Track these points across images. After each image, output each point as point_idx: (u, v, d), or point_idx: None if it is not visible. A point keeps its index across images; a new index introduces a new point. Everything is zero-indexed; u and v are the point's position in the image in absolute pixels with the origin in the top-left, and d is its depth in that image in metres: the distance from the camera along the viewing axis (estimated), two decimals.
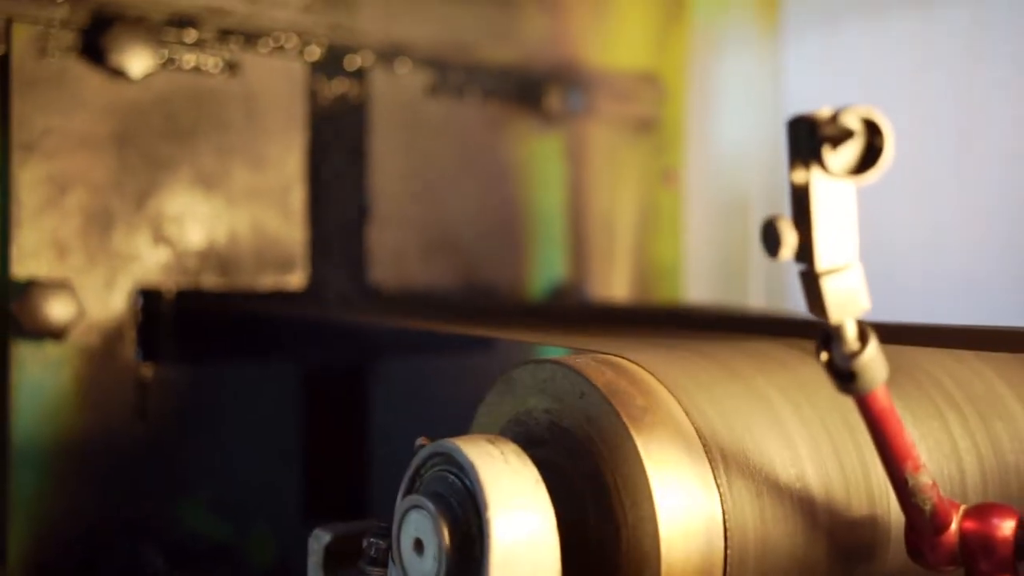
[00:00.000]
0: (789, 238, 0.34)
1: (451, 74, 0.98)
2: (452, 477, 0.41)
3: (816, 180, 0.34)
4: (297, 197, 0.89)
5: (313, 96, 0.91)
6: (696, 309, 0.96)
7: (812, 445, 0.45)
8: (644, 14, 1.10)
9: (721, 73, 1.12)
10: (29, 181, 0.77)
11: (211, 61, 0.85)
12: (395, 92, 0.95)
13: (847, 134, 0.33)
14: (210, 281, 0.85)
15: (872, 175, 0.33)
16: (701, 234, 1.12)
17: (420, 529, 0.41)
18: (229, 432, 0.84)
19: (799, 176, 0.34)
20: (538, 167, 1.03)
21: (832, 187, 0.34)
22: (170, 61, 0.83)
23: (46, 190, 0.78)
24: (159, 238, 0.83)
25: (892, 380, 0.37)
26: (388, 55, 0.95)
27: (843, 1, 1.04)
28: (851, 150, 0.33)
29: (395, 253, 0.95)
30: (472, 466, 0.40)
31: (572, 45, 1.04)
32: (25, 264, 0.76)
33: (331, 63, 0.92)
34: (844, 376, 0.36)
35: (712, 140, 1.12)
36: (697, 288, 1.12)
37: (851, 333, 0.36)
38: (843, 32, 1.03)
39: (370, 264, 0.93)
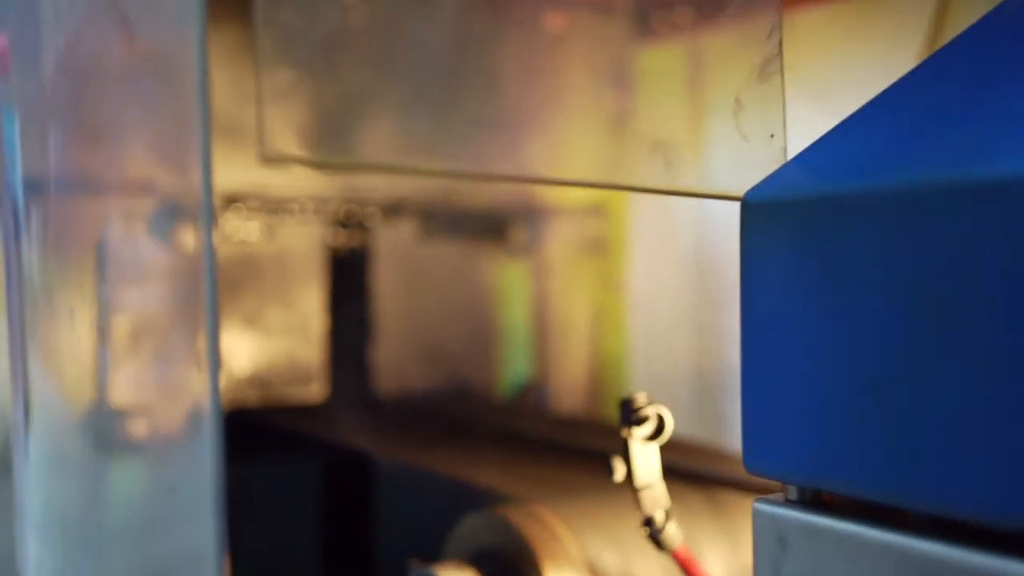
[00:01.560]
0: (619, 469, 0.60)
1: (436, 220, 1.24)
2: None
3: (631, 439, 0.60)
4: (316, 327, 1.15)
5: (329, 248, 1.17)
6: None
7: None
8: (589, 158, 1.36)
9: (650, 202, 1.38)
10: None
11: (252, 228, 1.11)
12: (393, 238, 1.21)
13: (646, 417, 0.59)
14: (252, 396, 1.11)
15: (659, 441, 0.59)
16: (644, 332, 1.38)
17: None
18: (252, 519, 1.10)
19: (624, 432, 0.60)
20: (507, 288, 1.29)
21: (639, 443, 0.60)
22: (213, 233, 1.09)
23: (128, 336, 1.04)
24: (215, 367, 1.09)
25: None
26: (388, 209, 1.21)
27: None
28: (648, 426, 0.59)
29: (394, 365, 1.21)
30: None
31: (531, 189, 1.30)
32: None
33: (343, 220, 1.18)
34: (657, 543, 0.62)
35: (650, 255, 1.38)
36: (642, 378, 1.38)
37: (659, 518, 0.62)
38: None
39: (374, 376, 1.20)
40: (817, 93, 1.06)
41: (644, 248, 1.39)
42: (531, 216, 1.30)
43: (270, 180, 1.11)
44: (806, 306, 0.40)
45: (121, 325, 1.02)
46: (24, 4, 0.72)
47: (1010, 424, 0.32)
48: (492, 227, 1.27)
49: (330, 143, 0.67)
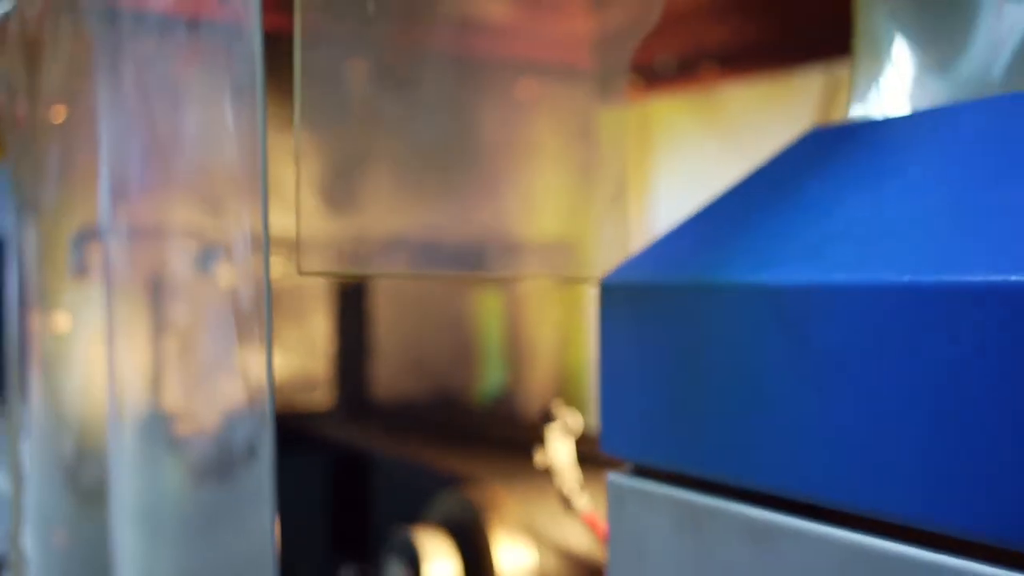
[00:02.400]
0: (540, 456, 0.84)
1: (424, 255, 1.49)
2: (411, 549, 0.91)
3: (549, 434, 0.84)
4: (323, 346, 1.39)
5: (336, 282, 1.41)
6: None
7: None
8: (560, 202, 1.60)
9: (609, 236, 1.62)
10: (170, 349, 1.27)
11: (279, 266, 1.36)
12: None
13: (560, 419, 0.83)
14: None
15: (572, 436, 0.83)
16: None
17: (398, 573, 0.91)
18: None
19: (545, 431, 0.84)
20: (486, 314, 1.54)
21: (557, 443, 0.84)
22: (242, 267, 1.34)
23: (176, 350, 1.28)
24: (244, 378, 1.33)
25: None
26: (385, 246, 1.45)
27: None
28: (562, 425, 0.83)
29: (388, 377, 1.45)
30: (420, 544, 0.90)
31: (509, 227, 1.54)
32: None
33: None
34: (570, 508, 0.86)
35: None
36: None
37: (572, 491, 0.86)
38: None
39: (371, 386, 1.44)
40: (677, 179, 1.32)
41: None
42: (507, 251, 1.54)
43: (288, 224, 1.34)
44: (629, 352, 0.64)
45: (172, 341, 1.26)
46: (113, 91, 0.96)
47: (752, 418, 0.56)
48: (472, 261, 1.51)
49: (346, 199, 0.90)
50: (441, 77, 0.99)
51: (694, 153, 1.47)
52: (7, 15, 1.08)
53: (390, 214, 1.20)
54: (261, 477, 0.84)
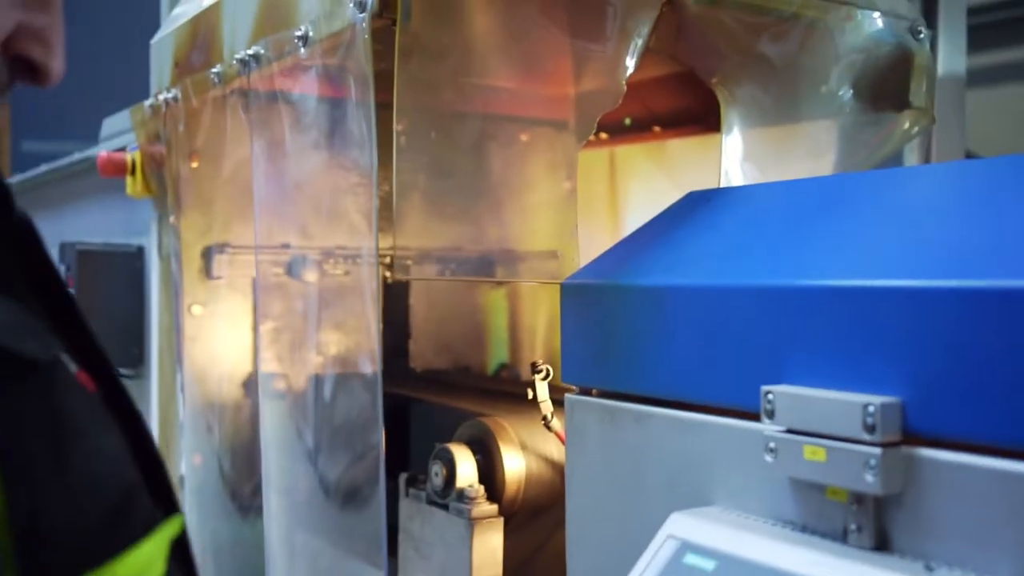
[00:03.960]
0: (531, 393, 1.28)
1: (448, 263, 1.92)
2: (448, 456, 1.35)
3: (536, 379, 1.27)
4: (373, 329, 1.83)
5: (383, 281, 1.84)
6: None
7: None
8: (549, 221, 2.03)
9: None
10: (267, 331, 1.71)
11: (340, 270, 1.79)
12: (364, 280, 1.89)
13: (541, 369, 1.26)
14: (337, 368, 1.78)
15: (546, 380, 1.27)
16: None
17: (437, 471, 1.35)
18: None
19: (533, 376, 1.28)
20: (493, 305, 1.97)
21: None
22: (323, 272, 1.77)
23: (272, 332, 1.72)
24: (318, 351, 1.76)
25: None
26: (419, 256, 1.89)
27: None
28: (541, 374, 1.27)
29: (421, 351, 1.89)
30: (453, 453, 1.34)
31: (511, 241, 1.97)
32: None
33: (391, 262, 1.86)
34: (549, 428, 1.30)
35: None
36: None
37: (549, 417, 1.29)
38: None
39: (408, 358, 1.87)
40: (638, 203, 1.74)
41: None
42: (510, 259, 1.97)
43: (348, 240, 1.78)
44: (576, 324, 1.08)
45: (268, 327, 1.68)
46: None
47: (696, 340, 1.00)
48: (482, 267, 1.95)
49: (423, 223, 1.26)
50: (461, 129, 1.32)
51: (648, 187, 1.91)
52: (175, 98, 1.52)
53: (427, 233, 1.61)
54: (368, 419, 1.26)
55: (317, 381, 1.64)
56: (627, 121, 1.92)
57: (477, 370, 1.95)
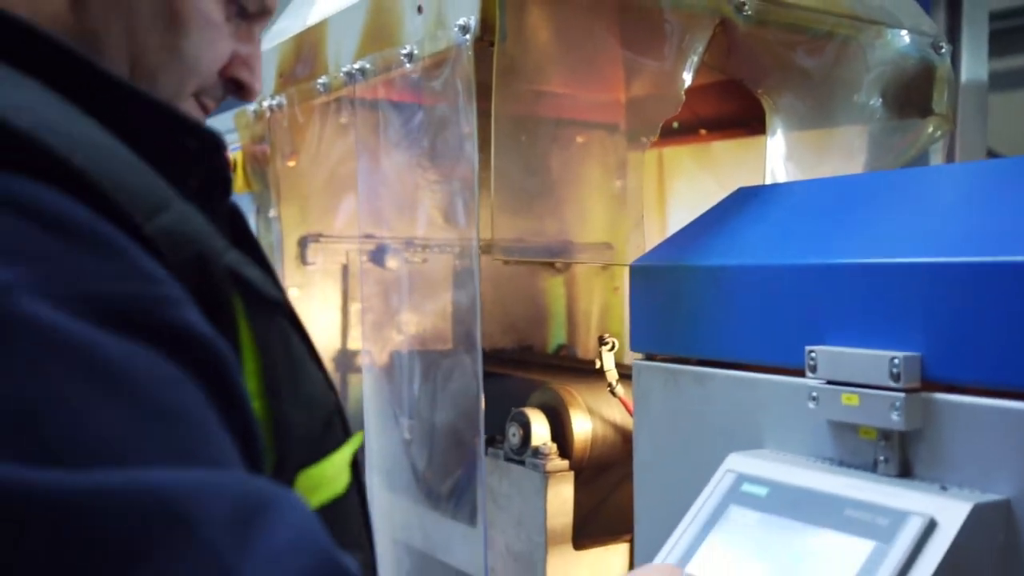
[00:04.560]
0: (598, 363, 1.45)
1: (525, 252, 2.09)
2: (524, 419, 1.52)
3: (603, 350, 1.44)
4: (448, 311, 2.00)
5: (454, 268, 2.01)
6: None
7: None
8: (602, 216, 2.20)
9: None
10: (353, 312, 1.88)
11: (418, 257, 1.96)
12: (494, 265, 2.06)
13: (607, 342, 1.43)
14: (415, 347, 1.95)
15: (613, 351, 1.43)
16: None
17: (514, 432, 1.52)
18: None
19: (600, 348, 1.44)
20: (552, 291, 2.14)
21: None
22: (404, 260, 1.95)
23: (357, 312, 1.89)
24: (399, 330, 1.94)
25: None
26: (486, 247, 2.05)
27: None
28: (608, 346, 1.43)
29: (488, 333, 2.06)
30: (528, 416, 1.51)
31: (569, 234, 2.14)
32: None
33: (461, 252, 2.03)
34: (614, 395, 1.46)
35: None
36: None
37: (614, 384, 1.46)
38: None
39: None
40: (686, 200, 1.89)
41: None
42: (568, 248, 2.14)
43: (425, 232, 1.95)
44: (643, 299, 1.24)
45: (355, 308, 1.86)
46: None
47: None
48: (551, 255, 2.11)
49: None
50: (527, 132, 1.47)
51: (694, 185, 2.07)
52: (279, 104, 1.70)
53: (502, 224, 1.76)
54: (470, 389, 1.43)
55: (413, 356, 1.81)
56: (675, 125, 2.07)
57: (538, 349, 2.12)
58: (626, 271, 2.14)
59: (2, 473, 0.46)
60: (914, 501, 0.86)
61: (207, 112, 0.79)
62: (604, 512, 1.56)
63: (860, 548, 0.86)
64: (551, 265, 2.14)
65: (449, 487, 1.52)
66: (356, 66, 1.43)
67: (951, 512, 0.83)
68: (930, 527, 0.83)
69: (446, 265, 1.93)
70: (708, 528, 0.99)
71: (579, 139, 1.79)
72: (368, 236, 1.81)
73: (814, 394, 0.98)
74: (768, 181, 1.46)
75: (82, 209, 0.54)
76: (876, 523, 0.86)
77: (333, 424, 0.73)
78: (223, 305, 0.62)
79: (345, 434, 0.77)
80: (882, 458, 0.94)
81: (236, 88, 0.79)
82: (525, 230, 1.47)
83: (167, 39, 0.72)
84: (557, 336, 2.15)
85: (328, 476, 0.71)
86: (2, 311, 0.49)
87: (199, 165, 0.70)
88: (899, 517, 0.85)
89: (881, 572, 0.82)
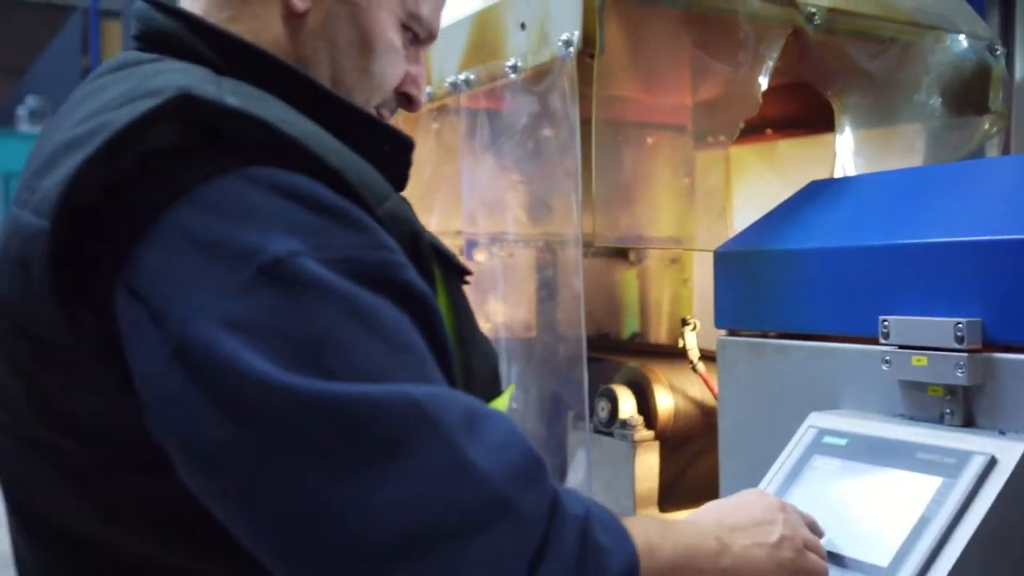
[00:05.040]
0: (680, 343, 1.60)
1: (598, 247, 2.25)
2: (612, 394, 1.68)
3: (685, 332, 1.60)
4: (531, 300, 2.17)
5: (537, 261, 2.18)
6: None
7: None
8: (672, 210, 2.36)
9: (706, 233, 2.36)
10: None
11: (505, 251, 2.13)
12: (568, 258, 2.23)
13: (689, 323, 1.59)
14: (502, 334, 2.12)
15: (694, 331, 1.59)
16: (699, 305, 2.37)
17: (602, 407, 1.68)
18: None
19: (683, 328, 1.60)
20: (625, 282, 2.30)
21: None
22: (491, 255, 2.12)
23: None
24: (487, 319, 2.11)
25: None
26: (565, 241, 2.22)
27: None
28: (690, 327, 1.59)
29: (567, 321, 2.22)
30: (615, 392, 1.67)
31: (636, 229, 2.30)
32: None
33: (543, 247, 2.20)
34: (696, 372, 1.62)
35: (699, 266, 2.37)
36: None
37: (696, 362, 1.61)
38: None
39: (559, 325, 2.21)
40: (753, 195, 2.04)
41: (700, 260, 2.39)
42: (639, 244, 2.29)
43: (508, 227, 2.12)
44: (726, 281, 1.41)
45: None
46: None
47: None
48: (619, 250, 2.27)
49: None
50: (621, 134, 1.63)
51: (759, 182, 2.22)
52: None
53: (602, 217, 1.92)
54: (575, 369, 1.59)
55: (510, 342, 1.97)
56: (742, 125, 2.22)
57: (614, 336, 2.29)
58: (695, 265, 2.30)
59: (298, 383, 0.66)
60: (976, 444, 1.02)
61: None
62: (686, 480, 1.72)
63: (930, 484, 1.01)
64: (625, 258, 2.30)
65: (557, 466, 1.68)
66: (461, 77, 1.61)
67: (1009, 451, 0.99)
68: (991, 464, 0.98)
69: (543, 258, 2.10)
70: (794, 475, 1.14)
71: (652, 140, 1.95)
72: (465, 232, 1.98)
73: (887, 358, 1.13)
74: (837, 175, 1.61)
75: (338, 196, 0.72)
76: (944, 462, 1.02)
77: (497, 375, 0.91)
78: (427, 271, 0.79)
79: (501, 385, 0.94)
80: (948, 411, 1.09)
81: (407, 101, 0.97)
82: (621, 223, 1.63)
83: (360, 62, 0.90)
84: (631, 325, 2.31)
85: None
86: (291, 269, 0.68)
87: (392, 163, 0.87)
88: (964, 457, 1.00)
89: (949, 502, 0.98)
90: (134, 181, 0.71)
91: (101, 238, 0.71)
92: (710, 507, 0.96)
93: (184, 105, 0.71)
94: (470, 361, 0.84)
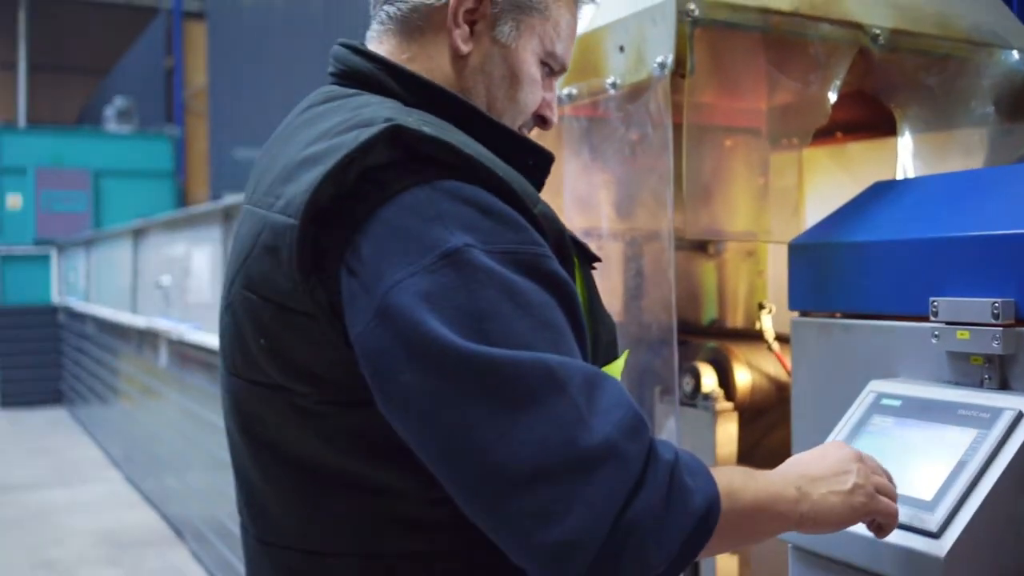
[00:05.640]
0: (757, 325, 1.84)
1: (679, 240, 2.48)
2: (695, 371, 1.92)
3: (762, 314, 1.83)
4: (620, 289, 2.40)
5: (625, 253, 2.42)
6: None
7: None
8: (749, 207, 2.58)
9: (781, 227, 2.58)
10: None
11: (594, 245, 2.37)
12: (654, 251, 2.47)
13: (765, 307, 1.82)
14: None
15: (771, 314, 1.82)
16: (773, 293, 2.59)
17: (686, 382, 1.92)
18: None
19: (759, 311, 1.83)
20: (704, 276, 2.53)
21: None
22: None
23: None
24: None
25: None
26: (649, 236, 2.46)
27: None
28: (767, 310, 1.82)
29: (651, 307, 2.46)
30: (698, 368, 1.91)
31: (717, 224, 2.53)
32: None
33: (631, 240, 2.43)
34: (771, 350, 1.85)
35: (772, 259, 2.59)
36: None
37: (771, 341, 1.84)
38: None
39: (644, 312, 2.45)
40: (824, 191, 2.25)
41: (775, 252, 2.61)
42: (717, 238, 2.52)
43: (601, 223, 2.36)
44: (800, 268, 1.64)
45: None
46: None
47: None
48: (699, 244, 2.50)
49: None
50: (708, 142, 1.86)
51: (830, 181, 2.43)
52: None
53: (660, 216, 2.15)
54: (666, 349, 1.84)
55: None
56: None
57: (693, 323, 2.52)
58: (770, 257, 2.53)
59: (465, 345, 0.91)
60: (1008, 402, 1.24)
61: None
62: (761, 447, 1.96)
63: (968, 435, 1.24)
64: (705, 251, 2.53)
65: None
66: (565, 92, 1.86)
67: None
68: (1019, 417, 1.21)
69: (629, 251, 2.34)
70: (857, 430, 1.38)
71: (731, 143, 2.17)
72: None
73: (935, 333, 1.36)
74: (899, 176, 1.83)
75: (502, 202, 0.98)
76: (980, 417, 1.24)
77: (615, 341, 1.15)
78: (569, 259, 1.04)
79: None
80: (987, 376, 1.31)
81: (542, 121, 1.21)
82: (704, 218, 1.86)
83: (509, 92, 1.15)
84: (709, 312, 2.54)
85: (613, 374, 1.13)
86: (465, 257, 0.94)
87: (535, 172, 1.13)
88: (996, 412, 1.23)
89: (982, 449, 1.20)
90: (356, 189, 0.97)
91: (331, 230, 0.97)
92: (793, 459, 1.13)
93: (394, 133, 0.97)
94: (597, 330, 1.08)
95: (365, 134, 0.97)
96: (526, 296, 0.95)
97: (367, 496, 1.02)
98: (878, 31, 1.71)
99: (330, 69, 1.16)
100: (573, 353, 0.97)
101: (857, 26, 1.70)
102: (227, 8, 9.35)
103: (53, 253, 11.16)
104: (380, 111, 1.02)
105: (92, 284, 9.14)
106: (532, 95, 1.17)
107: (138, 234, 6.90)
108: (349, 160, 0.96)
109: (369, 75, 1.11)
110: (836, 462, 1.10)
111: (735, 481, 1.01)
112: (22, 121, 19.00)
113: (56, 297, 11.09)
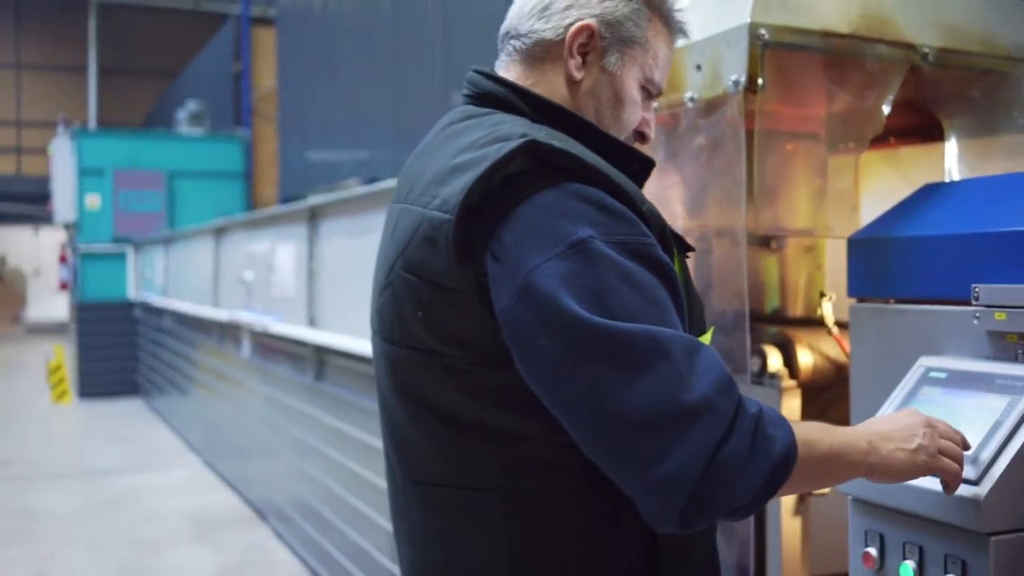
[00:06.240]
0: (818, 312, 2.05)
1: (747, 238, 2.69)
2: (762, 352, 2.14)
3: (823, 302, 2.04)
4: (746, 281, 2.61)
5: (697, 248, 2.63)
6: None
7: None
8: (807, 205, 2.78)
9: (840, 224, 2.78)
10: None
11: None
12: (723, 247, 2.68)
13: (825, 295, 2.03)
14: None
15: (831, 302, 2.04)
16: (831, 284, 2.79)
17: (754, 362, 2.14)
18: None
19: (821, 298, 2.04)
20: (767, 269, 2.74)
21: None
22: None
23: None
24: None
25: None
26: (717, 233, 2.67)
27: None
28: (828, 298, 2.03)
29: (718, 298, 2.68)
30: (764, 349, 2.13)
31: (781, 221, 2.73)
32: None
33: (699, 237, 2.65)
34: (831, 335, 2.06)
35: (830, 253, 2.79)
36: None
37: (832, 326, 2.05)
38: None
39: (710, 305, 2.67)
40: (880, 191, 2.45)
41: (832, 247, 2.81)
42: (778, 234, 2.72)
43: (674, 221, 2.57)
44: (858, 260, 1.85)
45: None
46: None
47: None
48: (763, 240, 2.71)
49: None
50: (775, 149, 2.09)
51: (884, 182, 2.63)
52: None
53: (731, 214, 2.36)
54: (738, 330, 2.06)
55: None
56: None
57: (757, 311, 2.73)
58: (829, 252, 2.73)
59: (590, 318, 1.14)
60: None
61: None
62: (823, 421, 2.16)
63: (1002, 401, 1.45)
64: (768, 246, 2.74)
65: None
66: None
67: None
68: None
69: (700, 246, 2.55)
70: (908, 399, 1.59)
71: (792, 147, 2.37)
72: None
73: (977, 315, 1.57)
74: (946, 178, 2.03)
75: (617, 202, 1.21)
76: (1014, 386, 1.45)
77: (704, 317, 1.38)
78: (669, 249, 1.27)
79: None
80: (1021, 351, 1.52)
81: (640, 137, 1.44)
82: (769, 217, 2.08)
83: (615, 112, 1.38)
84: (772, 302, 2.75)
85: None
86: (589, 246, 1.17)
87: (639, 176, 1.36)
88: None
89: (1015, 412, 1.41)
90: (499, 191, 1.21)
91: (479, 224, 1.21)
92: (871, 420, 1.36)
93: (529, 146, 1.20)
94: (691, 307, 1.31)
95: (507, 147, 1.20)
96: (637, 278, 1.18)
97: (503, 440, 1.25)
98: (927, 50, 1.92)
99: (465, 91, 1.40)
100: (675, 325, 1.19)
101: (909, 46, 1.91)
102: (297, 15, 9.67)
103: (130, 251, 11.60)
104: (515, 127, 1.26)
105: (170, 280, 9.52)
106: (633, 114, 1.40)
107: (219, 232, 7.24)
108: (494, 168, 1.20)
109: (501, 97, 1.35)
110: (906, 426, 1.31)
111: (813, 432, 1.22)
112: (92, 124, 19.61)
113: (132, 293, 11.52)
